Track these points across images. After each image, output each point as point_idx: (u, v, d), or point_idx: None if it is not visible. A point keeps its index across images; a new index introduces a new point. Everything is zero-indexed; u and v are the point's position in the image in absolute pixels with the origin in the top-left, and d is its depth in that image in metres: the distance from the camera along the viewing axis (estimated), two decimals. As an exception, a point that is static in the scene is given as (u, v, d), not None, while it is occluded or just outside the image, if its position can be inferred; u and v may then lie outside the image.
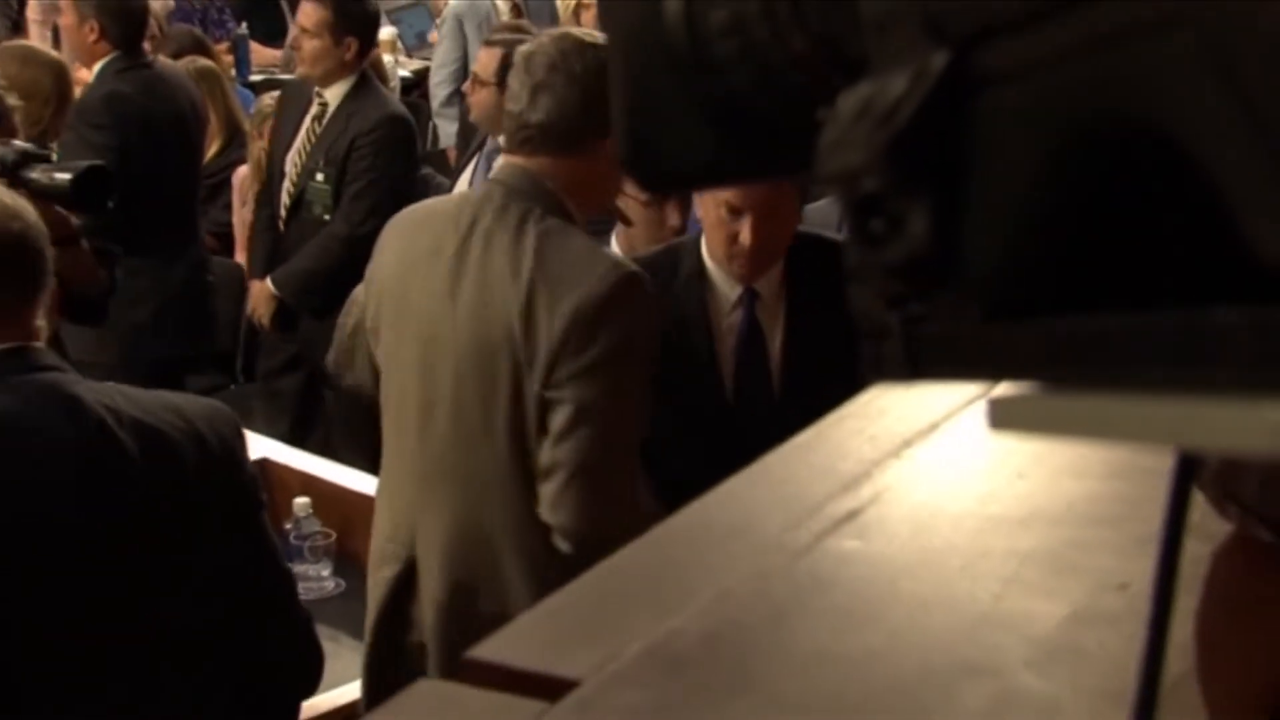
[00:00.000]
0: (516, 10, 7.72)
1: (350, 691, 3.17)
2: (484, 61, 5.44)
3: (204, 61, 6.37)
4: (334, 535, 3.67)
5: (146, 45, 5.70)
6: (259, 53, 8.33)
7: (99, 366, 4.28)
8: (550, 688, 0.94)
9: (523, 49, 3.19)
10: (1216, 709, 0.96)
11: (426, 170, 6.12)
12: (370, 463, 3.58)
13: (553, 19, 7.31)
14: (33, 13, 7.70)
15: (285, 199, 5.39)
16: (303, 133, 5.36)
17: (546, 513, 2.89)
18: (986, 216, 0.37)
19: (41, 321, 2.54)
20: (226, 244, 6.43)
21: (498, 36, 5.68)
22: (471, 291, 2.96)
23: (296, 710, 2.71)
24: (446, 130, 7.38)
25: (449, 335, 3.00)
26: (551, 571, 2.86)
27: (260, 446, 4.23)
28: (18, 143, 3.90)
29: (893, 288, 0.39)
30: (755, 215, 2.84)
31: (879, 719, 0.93)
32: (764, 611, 1.04)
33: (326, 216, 5.16)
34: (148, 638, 2.48)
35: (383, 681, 3.04)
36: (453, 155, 6.85)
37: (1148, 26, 0.31)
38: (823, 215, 3.26)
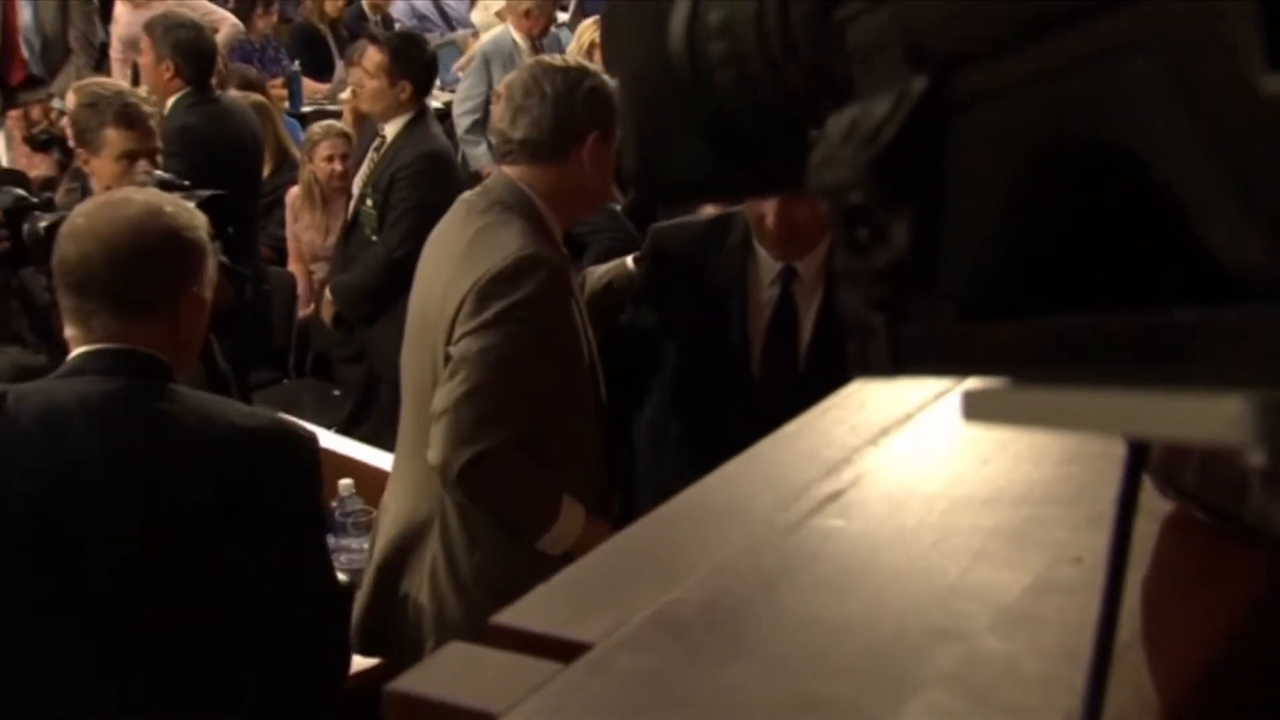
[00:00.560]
0: (535, 51, 7.73)
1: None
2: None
3: (257, 96, 6.39)
4: (374, 512, 3.68)
5: (214, 81, 5.73)
6: (309, 86, 8.34)
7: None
8: (565, 650, 0.94)
9: (506, 78, 3.26)
10: (1159, 669, 0.95)
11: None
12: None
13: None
14: (115, 51, 7.71)
15: (346, 217, 5.49)
16: (366, 161, 5.44)
17: (429, 455, 2.91)
18: (961, 226, 0.36)
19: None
20: (280, 256, 6.46)
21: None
22: (427, 280, 3.02)
23: (324, 701, 2.66)
24: (472, 154, 7.39)
25: (414, 320, 3.05)
26: (463, 544, 2.88)
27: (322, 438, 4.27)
28: (158, 173, 3.93)
29: (877, 291, 0.39)
30: (780, 199, 2.77)
31: (860, 677, 0.93)
32: (756, 582, 1.03)
33: (374, 237, 5.24)
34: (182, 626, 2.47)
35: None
36: (486, 175, 6.90)
37: (1107, 52, 0.31)
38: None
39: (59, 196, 4.51)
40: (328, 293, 5.42)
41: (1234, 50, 0.27)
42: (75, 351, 2.53)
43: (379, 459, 3.96)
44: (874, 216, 0.37)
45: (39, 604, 2.45)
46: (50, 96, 7.00)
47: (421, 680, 0.93)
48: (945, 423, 1.22)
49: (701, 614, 1.00)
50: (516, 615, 0.98)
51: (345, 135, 6.15)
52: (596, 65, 3.17)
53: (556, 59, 3.17)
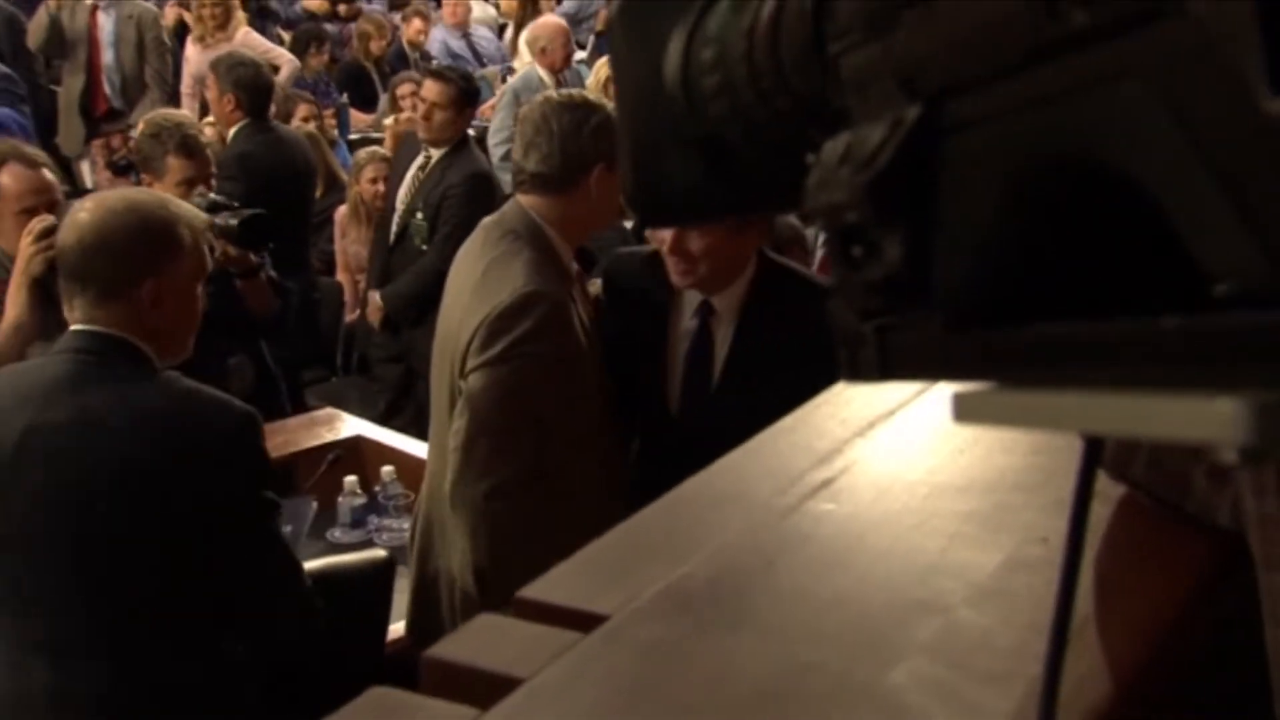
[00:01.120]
0: (559, 85, 7.73)
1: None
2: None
3: (310, 128, 6.40)
4: (413, 496, 3.67)
5: (272, 111, 5.75)
6: (356, 117, 8.35)
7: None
8: (584, 621, 0.93)
9: (520, 112, 3.24)
10: (1112, 642, 0.95)
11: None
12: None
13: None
14: (186, 87, 7.71)
15: (394, 228, 5.47)
16: (409, 178, 5.44)
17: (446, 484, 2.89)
18: (951, 242, 0.35)
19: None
20: (329, 267, 6.49)
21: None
22: (449, 304, 3.00)
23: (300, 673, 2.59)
24: (503, 179, 7.40)
25: (438, 340, 3.03)
26: (466, 540, 2.86)
27: (356, 426, 4.25)
28: (211, 195, 3.94)
29: (869, 303, 0.38)
30: (675, 230, 2.65)
31: (849, 645, 0.92)
32: (756, 560, 1.02)
33: (424, 247, 5.24)
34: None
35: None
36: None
37: (1099, 80, 0.30)
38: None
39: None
40: (375, 298, 5.43)
41: (1237, 74, 0.26)
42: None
43: (416, 448, 3.94)
44: (868, 234, 0.37)
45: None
46: (129, 127, 7.00)
47: (455, 647, 0.92)
48: (926, 417, 1.21)
49: (706, 589, 0.99)
50: (540, 590, 0.98)
51: (386, 159, 6.18)
52: (603, 99, 3.14)
53: (565, 95, 3.14)
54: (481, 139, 7.56)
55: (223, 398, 2.48)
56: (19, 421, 2.47)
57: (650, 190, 0.57)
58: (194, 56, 7.75)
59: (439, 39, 9.75)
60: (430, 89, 5.43)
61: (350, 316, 6.30)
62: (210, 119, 6.09)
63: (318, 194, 6.37)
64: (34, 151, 3.96)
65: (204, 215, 2.92)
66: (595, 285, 3.15)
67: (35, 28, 7.95)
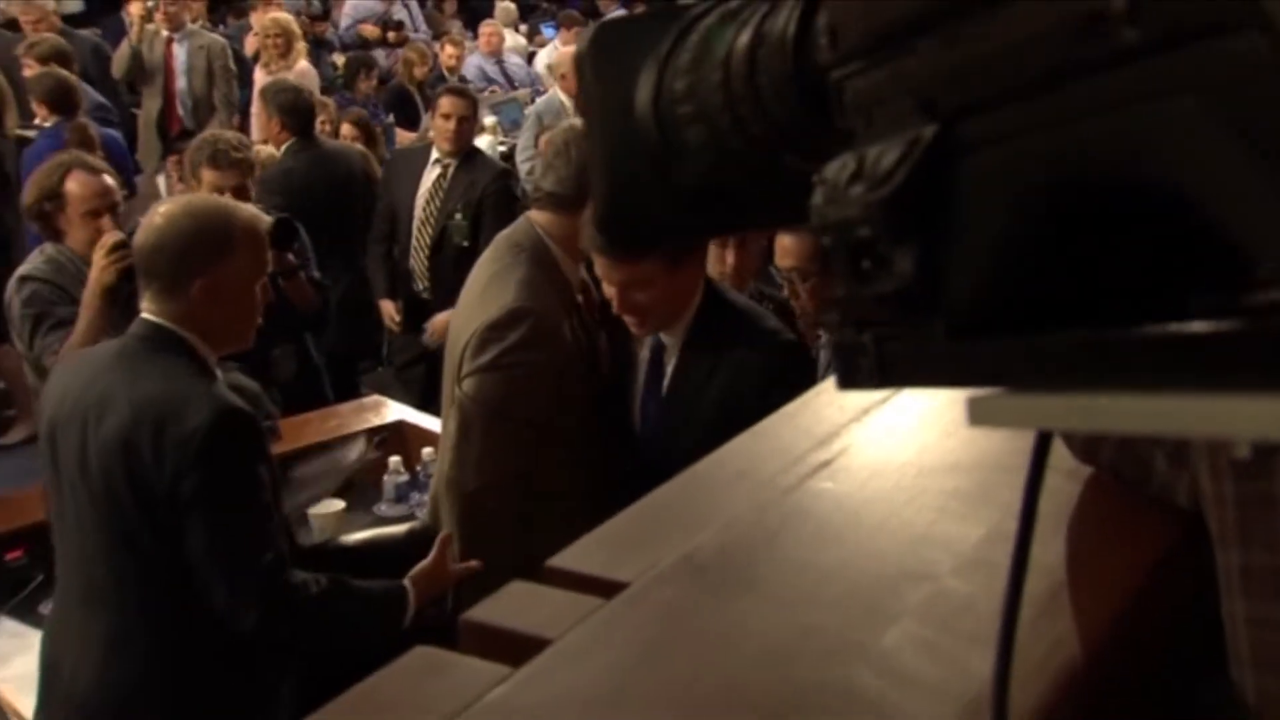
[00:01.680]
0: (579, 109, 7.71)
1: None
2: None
3: (361, 147, 6.36)
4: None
5: (324, 126, 5.75)
6: (401, 135, 8.35)
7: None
8: (607, 588, 0.92)
9: (546, 135, 3.24)
10: (1080, 602, 0.93)
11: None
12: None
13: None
14: (255, 107, 7.75)
15: (426, 234, 5.36)
16: (427, 188, 5.35)
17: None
18: (964, 256, 0.34)
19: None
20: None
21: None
22: (459, 308, 2.99)
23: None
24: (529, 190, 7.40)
25: (448, 341, 3.00)
26: (455, 530, 2.83)
27: (399, 411, 4.27)
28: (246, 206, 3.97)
29: (875, 314, 0.36)
30: (619, 289, 2.65)
31: (846, 609, 0.91)
32: (762, 533, 1.01)
33: (465, 244, 5.14)
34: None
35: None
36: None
37: (1139, 96, 0.28)
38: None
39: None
40: (389, 307, 5.41)
41: None
42: None
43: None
44: (879, 249, 0.35)
45: (50, 480, 2.61)
46: (199, 144, 7.07)
47: (490, 611, 0.91)
48: (915, 404, 1.19)
49: (717, 558, 0.98)
50: (567, 559, 0.97)
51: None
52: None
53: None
54: (511, 155, 7.56)
55: (219, 397, 2.46)
56: (72, 392, 2.55)
57: (622, 217, 0.54)
58: (261, 81, 7.77)
59: (475, 64, 9.75)
60: (455, 104, 5.37)
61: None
62: (256, 137, 6.12)
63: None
64: (95, 160, 3.99)
65: (266, 219, 2.91)
66: None
67: (119, 58, 8.00)
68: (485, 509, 2.79)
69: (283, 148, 5.55)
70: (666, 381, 2.75)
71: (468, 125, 5.40)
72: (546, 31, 11.53)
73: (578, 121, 3.60)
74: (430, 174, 5.37)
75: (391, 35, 10.10)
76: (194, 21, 8.19)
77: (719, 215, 0.53)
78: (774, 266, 3.20)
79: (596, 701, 0.82)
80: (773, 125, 0.43)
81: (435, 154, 5.38)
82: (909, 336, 0.35)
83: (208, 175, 4.09)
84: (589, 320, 2.91)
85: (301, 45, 7.91)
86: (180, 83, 7.95)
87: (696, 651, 0.87)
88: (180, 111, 7.94)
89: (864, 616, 0.89)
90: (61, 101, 6.18)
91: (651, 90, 0.49)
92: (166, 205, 2.77)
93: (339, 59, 9.11)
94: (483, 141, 6.50)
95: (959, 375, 0.34)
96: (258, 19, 8.49)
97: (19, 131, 6.24)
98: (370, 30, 10.13)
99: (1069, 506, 1.06)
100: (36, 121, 6.32)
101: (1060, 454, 1.06)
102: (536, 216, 2.90)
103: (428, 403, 5.24)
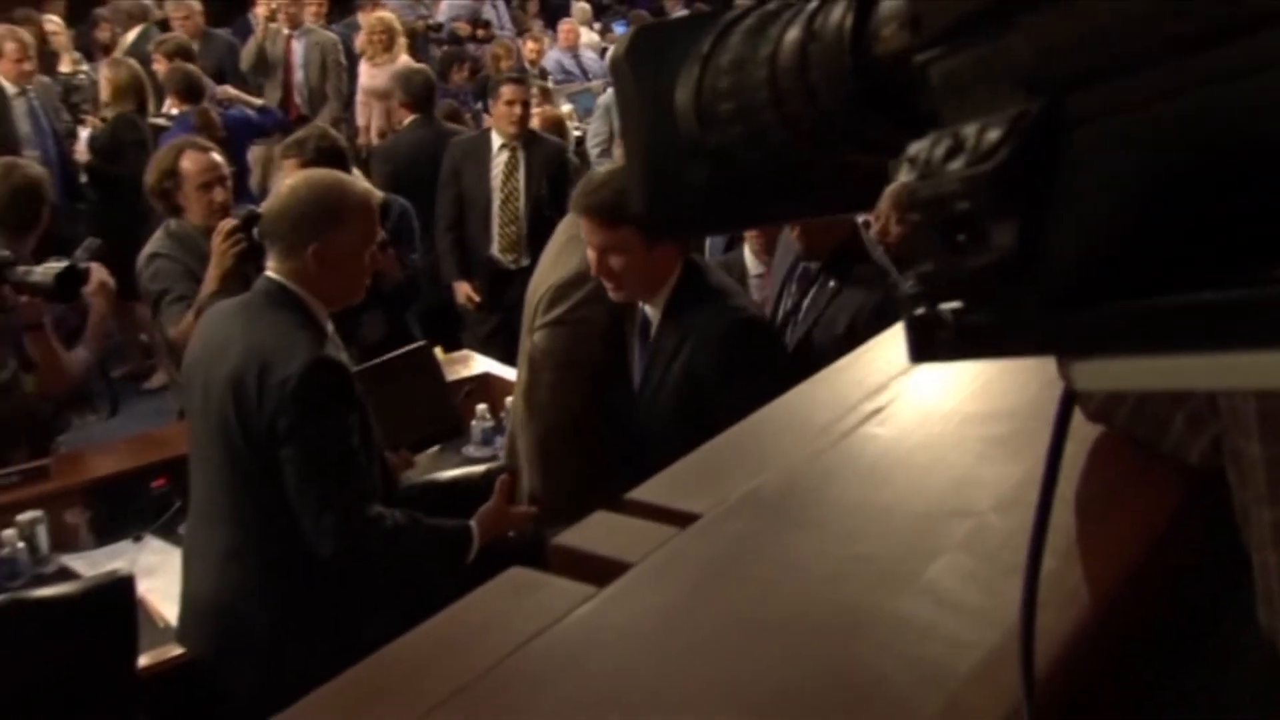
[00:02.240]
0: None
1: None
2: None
3: (456, 125, 6.39)
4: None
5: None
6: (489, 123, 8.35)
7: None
8: (681, 519, 0.91)
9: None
10: (1092, 555, 0.91)
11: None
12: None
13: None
14: (360, 97, 7.77)
15: (512, 210, 5.32)
16: (499, 171, 5.30)
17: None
18: (1071, 226, 0.31)
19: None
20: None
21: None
22: (539, 267, 3.02)
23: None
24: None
25: (527, 296, 3.01)
26: (526, 468, 2.84)
27: (485, 365, 4.30)
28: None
29: (958, 287, 0.33)
30: (598, 252, 2.64)
31: (896, 543, 0.89)
32: (819, 473, 1.00)
33: (548, 214, 5.07)
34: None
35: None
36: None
37: (1269, 64, 0.25)
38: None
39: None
40: (465, 287, 5.33)
41: None
42: None
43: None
44: (977, 223, 0.32)
45: (191, 422, 2.68)
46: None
47: (578, 537, 0.91)
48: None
49: (779, 495, 0.96)
50: (646, 493, 0.96)
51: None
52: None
53: None
54: (583, 140, 7.51)
55: (316, 349, 2.48)
56: (203, 338, 2.65)
57: (661, 209, 0.52)
58: (365, 73, 7.79)
59: (554, 58, 9.71)
60: (519, 91, 5.30)
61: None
62: (362, 123, 6.23)
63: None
64: (204, 141, 4.05)
65: (378, 195, 2.93)
66: None
67: (246, 53, 8.11)
68: (552, 448, 2.80)
69: (404, 122, 5.63)
70: (650, 348, 2.75)
71: (528, 110, 5.36)
72: (618, 28, 11.45)
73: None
74: (499, 158, 5.29)
75: (480, 32, 10.08)
76: (314, 20, 8.24)
77: (753, 206, 0.51)
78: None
79: (672, 618, 0.82)
80: (823, 117, 0.41)
81: (499, 139, 5.29)
82: (996, 308, 0.33)
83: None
84: None
85: (402, 41, 7.91)
86: (298, 75, 8.00)
87: (761, 577, 0.86)
88: (297, 100, 7.99)
89: (912, 549, 0.88)
90: (189, 92, 6.35)
91: (693, 88, 0.47)
92: (293, 178, 2.80)
93: (439, 51, 9.11)
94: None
95: (1052, 343, 0.32)
96: (364, 17, 8.51)
97: (154, 120, 6.35)
98: (462, 27, 10.12)
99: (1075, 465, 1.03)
100: (165, 109, 6.48)
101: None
102: None
103: (508, 361, 5.26)
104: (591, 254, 2.68)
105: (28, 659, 2.56)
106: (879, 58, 0.39)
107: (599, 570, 0.85)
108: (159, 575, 3.07)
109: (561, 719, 0.73)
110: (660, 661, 0.78)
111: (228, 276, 3.51)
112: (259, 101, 7.68)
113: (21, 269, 3.46)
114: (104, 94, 6.37)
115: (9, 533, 3.31)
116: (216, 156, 3.85)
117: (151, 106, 6.52)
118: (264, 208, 2.73)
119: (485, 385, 4.17)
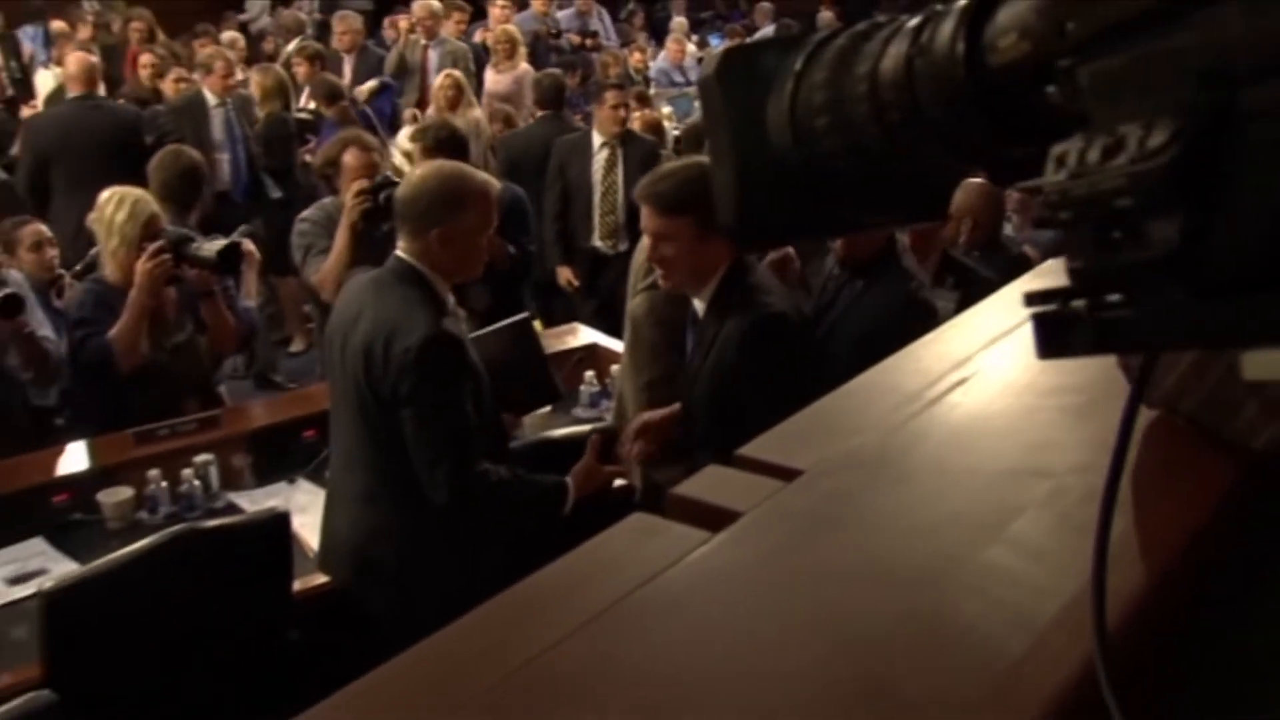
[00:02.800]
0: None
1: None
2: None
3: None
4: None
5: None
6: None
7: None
8: (786, 474, 0.91)
9: None
10: (1148, 536, 0.88)
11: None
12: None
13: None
14: (484, 100, 7.86)
15: (611, 201, 5.34)
16: (600, 166, 5.31)
17: None
18: (1240, 220, 0.29)
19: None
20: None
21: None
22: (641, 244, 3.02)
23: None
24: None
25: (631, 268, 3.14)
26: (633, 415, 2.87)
27: (591, 336, 4.33)
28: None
29: (1110, 283, 0.31)
30: (652, 238, 2.60)
31: (980, 500, 0.88)
32: (909, 436, 0.98)
33: None
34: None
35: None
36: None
37: None
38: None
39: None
40: (566, 272, 5.38)
41: None
42: None
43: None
44: (1136, 219, 0.30)
45: (331, 381, 2.76)
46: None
47: (694, 487, 0.91)
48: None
49: (873, 455, 0.95)
50: (754, 449, 0.95)
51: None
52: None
53: None
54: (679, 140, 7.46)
55: (435, 322, 2.51)
56: (341, 309, 2.70)
57: (754, 221, 0.49)
58: (490, 78, 7.83)
59: (660, 67, 9.70)
60: (620, 95, 5.37)
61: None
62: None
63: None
64: (368, 139, 4.11)
65: (497, 184, 2.95)
66: None
67: (389, 61, 8.26)
68: (655, 396, 2.82)
69: (535, 116, 5.90)
70: (696, 336, 2.73)
71: (628, 112, 5.40)
72: (713, 40, 11.36)
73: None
74: (600, 155, 5.33)
75: (589, 41, 10.08)
76: (456, 33, 8.37)
77: (843, 215, 0.48)
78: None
79: (777, 561, 0.81)
80: (928, 127, 0.39)
81: (600, 138, 5.32)
82: (1144, 301, 0.30)
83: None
84: None
85: (523, 49, 7.95)
86: (433, 79, 8.10)
87: (858, 528, 0.85)
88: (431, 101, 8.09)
89: (996, 505, 0.86)
90: (330, 95, 6.75)
91: (787, 104, 0.45)
92: (422, 168, 2.83)
93: (558, 58, 9.14)
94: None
95: (1202, 334, 0.30)
96: (490, 29, 8.56)
97: (298, 115, 6.60)
98: (573, 38, 10.13)
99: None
100: (303, 104, 6.86)
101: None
102: None
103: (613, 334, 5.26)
104: (647, 240, 2.68)
105: (202, 578, 2.65)
106: (993, 68, 0.37)
107: (712, 518, 0.84)
108: (309, 513, 3.15)
109: (678, 648, 0.73)
110: (765, 600, 0.78)
111: (353, 229, 3.65)
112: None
113: (194, 245, 3.57)
114: (255, 95, 6.53)
115: (186, 471, 3.42)
116: (374, 156, 3.96)
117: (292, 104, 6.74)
118: (397, 193, 2.76)
119: (593, 354, 4.21)
